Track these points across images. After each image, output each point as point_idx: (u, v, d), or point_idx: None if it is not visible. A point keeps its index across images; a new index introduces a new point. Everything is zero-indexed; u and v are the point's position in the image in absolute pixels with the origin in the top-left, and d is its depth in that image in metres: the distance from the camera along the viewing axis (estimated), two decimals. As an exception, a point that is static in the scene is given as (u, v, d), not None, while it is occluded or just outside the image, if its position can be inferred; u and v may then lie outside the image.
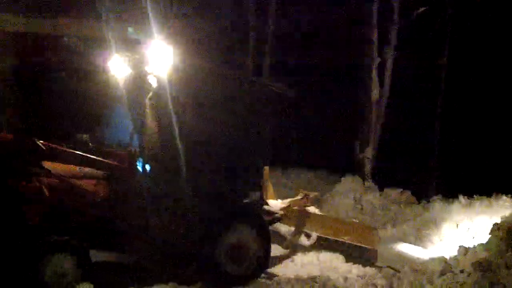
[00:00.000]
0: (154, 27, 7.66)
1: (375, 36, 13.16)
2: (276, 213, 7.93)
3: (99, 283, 5.86)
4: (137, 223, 6.28)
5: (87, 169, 6.33)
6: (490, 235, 8.66)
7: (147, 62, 6.48)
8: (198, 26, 12.32)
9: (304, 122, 16.88)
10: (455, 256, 8.18)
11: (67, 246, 5.69)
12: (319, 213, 8.76)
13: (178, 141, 6.32)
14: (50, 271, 5.55)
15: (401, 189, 12.44)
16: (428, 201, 11.92)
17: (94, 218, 6.15)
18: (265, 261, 6.92)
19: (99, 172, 6.39)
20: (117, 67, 7.16)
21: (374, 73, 13.28)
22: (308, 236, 8.32)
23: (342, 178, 13.02)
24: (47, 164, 6.04)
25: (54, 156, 6.11)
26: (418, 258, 8.63)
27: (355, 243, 7.75)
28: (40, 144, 5.93)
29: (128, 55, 7.01)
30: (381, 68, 13.39)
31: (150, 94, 6.51)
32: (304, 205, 8.55)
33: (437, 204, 11.22)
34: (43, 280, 5.51)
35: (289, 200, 8.55)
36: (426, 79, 15.24)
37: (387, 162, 13.76)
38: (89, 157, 6.34)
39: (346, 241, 7.83)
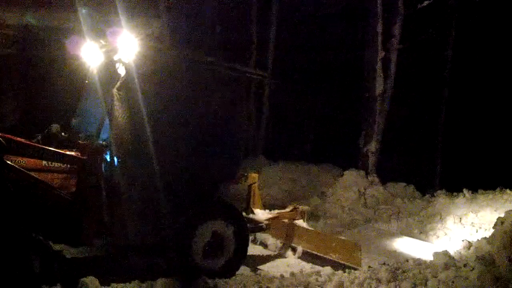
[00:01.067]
0: (122, 17, 7.43)
1: (379, 29, 13.08)
2: (261, 222, 7.85)
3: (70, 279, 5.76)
4: (105, 217, 6.19)
5: (54, 164, 6.20)
6: (494, 229, 8.63)
7: (116, 50, 6.41)
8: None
9: (307, 115, 16.88)
10: (459, 250, 8.16)
11: (33, 243, 5.58)
12: (307, 227, 8.69)
13: (146, 133, 6.25)
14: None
15: (405, 183, 12.41)
16: (432, 195, 11.87)
17: (61, 213, 6.02)
18: (240, 257, 6.87)
19: (66, 166, 6.24)
20: (89, 55, 7.07)
21: (379, 66, 13.21)
22: (294, 250, 8.36)
23: (345, 172, 12.98)
24: (10, 159, 5.86)
25: (18, 151, 5.95)
26: (422, 252, 8.59)
27: (339, 261, 7.70)
28: (2, 139, 5.75)
29: (101, 43, 6.92)
30: (386, 61, 13.32)
31: (118, 84, 6.35)
32: (292, 218, 8.52)
33: (441, 198, 11.18)
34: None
35: (277, 211, 8.52)
36: (430, 72, 15.18)
37: (391, 156, 13.72)
38: (48, 149, 6.17)
39: (331, 258, 7.81)
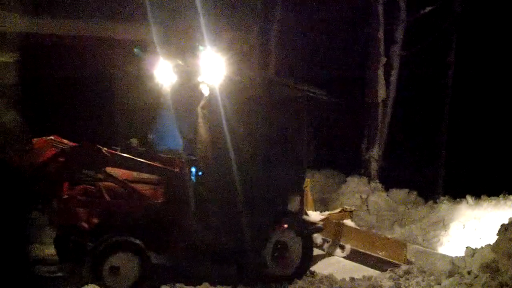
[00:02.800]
0: (206, 36, 7.85)
1: (381, 35, 13.07)
2: (318, 224, 8.22)
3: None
4: (188, 226, 6.66)
5: (143, 175, 6.68)
6: (497, 236, 8.58)
7: (199, 71, 6.87)
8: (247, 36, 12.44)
9: (310, 121, 16.81)
10: (463, 257, 8.10)
11: (130, 246, 6.08)
12: (355, 226, 9.15)
13: (229, 149, 6.74)
14: (112, 267, 5.97)
15: (408, 190, 12.37)
16: (435, 202, 11.83)
17: (149, 221, 6.50)
18: (307, 263, 7.35)
19: (155, 177, 6.73)
20: (163, 75, 7.56)
21: (380, 72, 13.18)
22: (342, 248, 8.74)
23: (348, 178, 12.94)
24: (110, 170, 6.42)
25: (115, 162, 6.47)
26: (425, 260, 8.51)
27: (385, 258, 8.10)
28: (105, 152, 6.34)
29: (179, 64, 7.43)
30: (387, 67, 13.30)
31: (202, 103, 6.87)
32: (341, 218, 8.98)
33: (444, 205, 11.13)
34: (101, 275, 5.91)
35: (328, 212, 9.04)
36: (433, 78, 15.15)
37: (394, 162, 13.67)
38: (145, 162, 6.67)
39: (378, 256, 8.24)
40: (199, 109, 6.89)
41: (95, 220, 6.21)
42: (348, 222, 9.04)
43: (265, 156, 7.23)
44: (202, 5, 10.05)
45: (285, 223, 7.31)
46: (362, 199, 12.05)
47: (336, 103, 10.30)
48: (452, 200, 11.48)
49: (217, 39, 7.78)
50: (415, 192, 12.37)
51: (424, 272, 7.60)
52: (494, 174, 12.95)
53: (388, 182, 12.81)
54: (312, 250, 7.58)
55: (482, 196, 10.73)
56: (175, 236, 6.65)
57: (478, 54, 14.80)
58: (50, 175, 6.02)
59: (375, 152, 13.24)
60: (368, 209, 11.84)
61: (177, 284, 6.33)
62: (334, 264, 8.42)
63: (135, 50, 8.99)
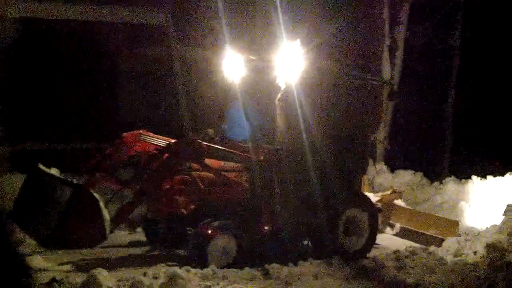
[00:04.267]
0: (283, 31, 8.51)
1: (386, 15, 12.96)
2: (377, 205, 8.76)
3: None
4: (272, 209, 7.25)
5: (230, 163, 7.24)
6: (503, 216, 8.59)
7: (273, 65, 7.37)
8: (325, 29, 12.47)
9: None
10: (468, 237, 8.14)
11: (229, 229, 6.77)
12: (405, 206, 9.57)
13: (306, 137, 7.31)
14: (213, 250, 6.64)
15: (413, 171, 12.35)
16: (441, 183, 11.82)
17: (239, 206, 7.14)
18: (373, 238, 7.97)
19: (240, 165, 7.29)
20: (233, 68, 8.05)
21: (385, 54, 13.10)
22: (392, 226, 9.20)
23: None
24: (206, 161, 6.99)
25: (211, 154, 7.03)
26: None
27: (438, 236, 8.44)
28: (204, 145, 6.88)
29: (251, 58, 8.01)
30: (392, 48, 13.20)
31: (279, 95, 7.32)
32: (393, 199, 9.43)
33: (450, 186, 11.13)
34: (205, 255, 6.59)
35: (380, 194, 9.53)
36: (438, 59, 15.05)
37: (399, 143, 13.64)
38: (235, 152, 7.20)
39: (430, 234, 8.61)
40: (276, 102, 7.38)
41: (192, 207, 6.79)
42: (398, 202, 9.50)
43: (338, 143, 7.86)
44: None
45: (355, 202, 7.96)
46: (368, 180, 12.04)
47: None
48: (458, 181, 11.48)
49: (293, 33, 8.19)
50: (420, 173, 12.34)
51: (430, 253, 7.62)
52: (500, 154, 12.90)
53: (394, 163, 12.79)
54: (377, 227, 8.16)
55: (488, 176, 10.71)
56: (261, 218, 7.24)
57: (485, 34, 14.68)
58: (154, 167, 6.58)
59: (381, 133, 13.20)
60: (373, 191, 11.85)
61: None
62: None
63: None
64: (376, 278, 6.60)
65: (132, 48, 13.66)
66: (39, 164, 7.19)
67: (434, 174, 12.90)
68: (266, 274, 6.55)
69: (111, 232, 6.17)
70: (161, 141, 7.20)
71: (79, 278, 5.81)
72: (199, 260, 6.59)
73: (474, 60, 14.70)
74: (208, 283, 6.06)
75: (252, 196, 7.23)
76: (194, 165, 7.09)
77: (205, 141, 7.24)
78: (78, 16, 12.81)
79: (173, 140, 7.04)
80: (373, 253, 7.93)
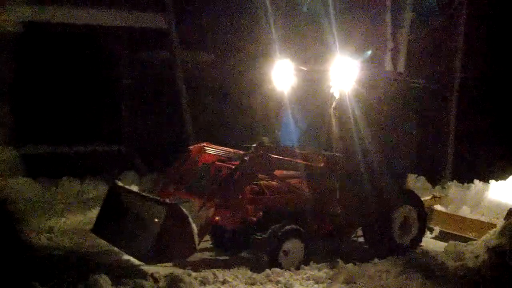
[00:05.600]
0: (337, 43, 9.10)
1: (388, 18, 12.95)
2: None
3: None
4: (334, 211, 7.75)
5: (291, 172, 7.69)
6: (504, 221, 8.57)
7: (327, 75, 7.80)
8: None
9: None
10: (471, 242, 8.12)
11: (298, 233, 7.24)
12: (445, 211, 9.76)
13: (359, 144, 7.84)
14: (284, 251, 7.14)
15: (416, 175, 12.34)
16: (443, 187, 11.81)
17: (303, 210, 7.59)
18: (422, 234, 8.52)
19: (302, 173, 7.72)
20: (283, 78, 8.54)
21: (388, 57, 13.09)
22: (431, 230, 9.42)
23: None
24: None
25: (279, 166, 7.58)
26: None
27: (477, 239, 8.41)
28: (273, 158, 7.44)
29: (302, 69, 8.53)
30: (395, 51, 13.18)
31: (334, 104, 7.74)
32: (433, 204, 9.65)
33: (452, 190, 11.12)
34: (277, 258, 7.07)
35: (422, 199, 9.52)
36: (441, 62, 15.03)
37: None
38: (301, 162, 7.71)
39: (469, 236, 8.75)
40: (331, 110, 7.78)
41: (260, 214, 7.23)
42: (438, 207, 9.70)
43: (392, 147, 8.40)
44: (329, 10, 10.42)
45: (408, 201, 8.43)
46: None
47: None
48: (459, 185, 11.46)
49: (345, 44, 8.89)
50: (423, 177, 12.35)
51: (432, 257, 7.61)
52: (502, 158, 12.88)
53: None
54: (426, 224, 8.67)
55: (490, 181, 10.71)
56: (323, 221, 7.75)
57: (487, 37, 14.67)
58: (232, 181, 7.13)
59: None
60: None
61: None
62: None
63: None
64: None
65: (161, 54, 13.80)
66: (117, 181, 7.91)
67: (437, 178, 12.90)
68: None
69: (199, 244, 6.72)
70: (225, 152, 7.90)
71: (81, 285, 5.86)
72: (271, 262, 7.03)
73: (477, 62, 14.68)
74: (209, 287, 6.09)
75: (314, 201, 7.70)
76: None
77: (261, 149, 7.93)
78: (84, 20, 12.93)
79: (235, 151, 7.82)
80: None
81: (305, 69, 8.62)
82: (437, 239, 9.26)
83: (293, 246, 7.20)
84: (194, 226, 6.53)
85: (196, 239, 6.54)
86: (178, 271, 6.53)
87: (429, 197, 9.77)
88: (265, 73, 8.99)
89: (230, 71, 13.86)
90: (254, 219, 7.19)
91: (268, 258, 7.06)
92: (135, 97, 14.07)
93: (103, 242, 7.54)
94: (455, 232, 9.08)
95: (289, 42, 12.01)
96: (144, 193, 7.54)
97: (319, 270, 7.09)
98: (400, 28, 13.15)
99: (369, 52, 8.59)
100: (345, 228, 8.06)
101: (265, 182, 7.55)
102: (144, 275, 6.41)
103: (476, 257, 7.37)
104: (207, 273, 6.51)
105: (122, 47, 13.85)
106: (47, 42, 12.63)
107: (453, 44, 14.73)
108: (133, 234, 6.92)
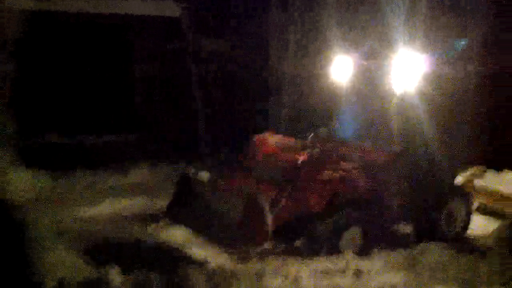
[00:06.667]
0: (399, 36, 9.00)
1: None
2: None
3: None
4: (391, 202, 7.89)
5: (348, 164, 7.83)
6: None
7: (391, 70, 7.85)
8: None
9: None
10: (481, 234, 8.14)
11: (360, 220, 7.41)
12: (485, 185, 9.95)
13: (421, 140, 7.98)
14: (347, 240, 7.26)
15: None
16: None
17: (363, 201, 7.69)
18: (467, 225, 8.64)
19: (359, 164, 7.84)
20: (342, 72, 8.64)
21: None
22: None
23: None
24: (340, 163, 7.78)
25: (343, 159, 7.81)
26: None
27: None
28: (338, 149, 7.88)
29: (364, 63, 8.56)
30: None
31: (396, 100, 7.89)
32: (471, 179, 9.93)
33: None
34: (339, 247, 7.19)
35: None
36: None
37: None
38: (361, 155, 7.88)
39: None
40: (393, 105, 7.92)
41: (324, 203, 7.35)
42: (478, 182, 9.93)
43: (452, 143, 8.57)
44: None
45: (457, 192, 8.72)
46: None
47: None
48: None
49: (410, 38, 8.71)
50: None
51: (442, 249, 7.59)
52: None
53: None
54: (471, 216, 8.76)
55: (504, 170, 10.59)
56: (383, 212, 7.83)
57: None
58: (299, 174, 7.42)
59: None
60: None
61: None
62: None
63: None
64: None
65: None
66: (189, 168, 8.31)
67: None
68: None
69: (271, 233, 6.96)
70: (288, 141, 8.20)
71: (93, 274, 5.91)
72: (331, 248, 7.13)
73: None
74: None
75: (375, 193, 7.83)
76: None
77: (319, 140, 8.23)
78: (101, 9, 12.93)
79: (299, 141, 8.17)
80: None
81: (366, 63, 8.69)
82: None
83: (353, 232, 7.36)
84: (268, 215, 6.82)
85: (270, 227, 6.83)
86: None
87: (470, 172, 10.05)
88: (323, 66, 9.17)
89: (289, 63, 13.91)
90: (318, 208, 7.34)
91: (328, 244, 7.19)
92: (158, 87, 14.03)
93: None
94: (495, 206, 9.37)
95: (349, 34, 11.91)
96: (218, 181, 7.88)
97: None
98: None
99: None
100: (400, 217, 8.26)
101: (329, 172, 7.66)
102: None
103: (488, 249, 7.39)
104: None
105: (144, 37, 13.80)
106: (62, 31, 12.64)
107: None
108: (212, 220, 7.37)
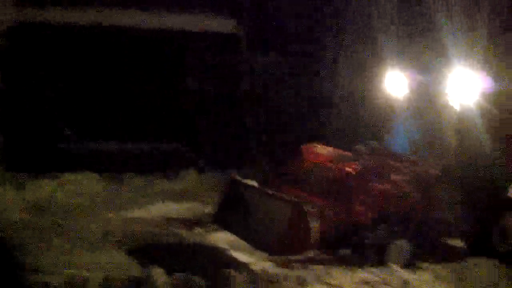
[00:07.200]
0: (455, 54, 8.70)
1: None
2: None
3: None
4: (444, 218, 7.80)
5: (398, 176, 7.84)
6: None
7: (446, 87, 7.83)
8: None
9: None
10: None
11: (408, 233, 7.34)
12: None
13: (477, 157, 7.82)
14: (394, 252, 7.18)
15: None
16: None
17: (411, 214, 7.62)
18: None
19: (410, 176, 7.82)
20: (396, 87, 8.72)
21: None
22: None
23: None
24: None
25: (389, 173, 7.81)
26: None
27: None
28: (388, 163, 7.85)
29: (418, 79, 8.61)
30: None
31: (456, 116, 7.88)
32: None
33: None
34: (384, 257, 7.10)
35: None
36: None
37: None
38: (410, 169, 7.84)
39: None
40: (450, 121, 7.95)
41: (370, 216, 7.39)
42: None
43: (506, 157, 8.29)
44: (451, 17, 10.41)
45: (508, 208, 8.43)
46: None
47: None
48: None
49: (467, 54, 8.52)
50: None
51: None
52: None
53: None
54: None
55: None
56: (433, 226, 7.70)
57: None
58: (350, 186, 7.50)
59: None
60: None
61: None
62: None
63: None
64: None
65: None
66: (235, 174, 8.58)
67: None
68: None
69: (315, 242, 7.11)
70: (336, 152, 8.19)
71: (137, 274, 6.00)
72: (377, 259, 7.10)
73: None
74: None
75: (425, 206, 7.72)
76: None
77: (369, 152, 8.19)
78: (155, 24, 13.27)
79: (346, 153, 8.14)
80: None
81: (421, 78, 8.75)
82: None
83: (400, 245, 7.31)
84: (312, 224, 6.91)
85: (315, 236, 6.94)
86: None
87: None
88: (377, 80, 9.28)
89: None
90: (366, 220, 7.37)
91: (375, 255, 7.19)
92: (205, 100, 14.26)
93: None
94: None
95: (404, 47, 11.86)
96: (265, 189, 7.96)
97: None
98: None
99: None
100: (449, 233, 8.13)
101: (378, 185, 7.70)
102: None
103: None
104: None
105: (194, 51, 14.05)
106: (119, 44, 13.06)
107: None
108: (257, 227, 7.41)
